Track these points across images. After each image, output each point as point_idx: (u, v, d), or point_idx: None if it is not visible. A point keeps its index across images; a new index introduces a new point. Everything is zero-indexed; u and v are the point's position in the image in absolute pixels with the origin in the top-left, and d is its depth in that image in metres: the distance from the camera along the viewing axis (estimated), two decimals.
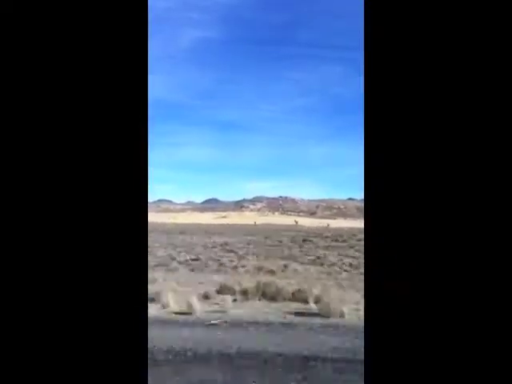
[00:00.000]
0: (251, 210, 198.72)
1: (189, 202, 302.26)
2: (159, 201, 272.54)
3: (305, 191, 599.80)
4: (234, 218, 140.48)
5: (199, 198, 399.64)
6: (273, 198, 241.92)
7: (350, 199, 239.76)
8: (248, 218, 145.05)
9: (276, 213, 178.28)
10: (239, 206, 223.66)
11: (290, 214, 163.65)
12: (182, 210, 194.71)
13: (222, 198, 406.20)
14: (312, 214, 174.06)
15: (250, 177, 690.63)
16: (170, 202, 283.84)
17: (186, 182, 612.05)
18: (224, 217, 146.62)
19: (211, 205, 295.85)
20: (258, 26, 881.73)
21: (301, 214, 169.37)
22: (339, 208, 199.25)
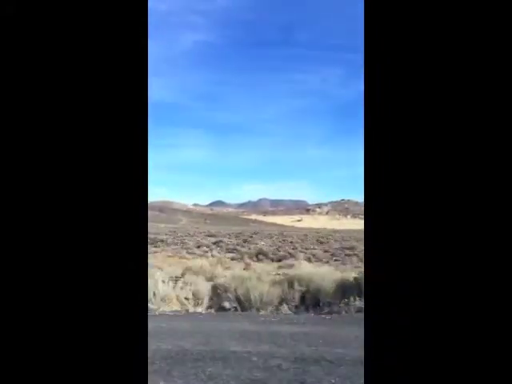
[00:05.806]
0: (319, 214, 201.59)
1: (195, 205, 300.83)
2: (163, 203, 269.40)
3: (306, 192, 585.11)
4: (308, 221, 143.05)
5: (204, 201, 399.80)
6: (336, 202, 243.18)
7: None
8: (321, 221, 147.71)
9: (348, 216, 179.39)
10: (304, 208, 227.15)
11: (362, 218, 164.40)
12: (188, 212, 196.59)
13: (226, 200, 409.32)
14: None
15: (253, 179, 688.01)
16: (174, 204, 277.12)
17: (188, 185, 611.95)
18: (299, 220, 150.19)
19: (218, 207, 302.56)
20: (255, 28, 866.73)
21: None
22: None
